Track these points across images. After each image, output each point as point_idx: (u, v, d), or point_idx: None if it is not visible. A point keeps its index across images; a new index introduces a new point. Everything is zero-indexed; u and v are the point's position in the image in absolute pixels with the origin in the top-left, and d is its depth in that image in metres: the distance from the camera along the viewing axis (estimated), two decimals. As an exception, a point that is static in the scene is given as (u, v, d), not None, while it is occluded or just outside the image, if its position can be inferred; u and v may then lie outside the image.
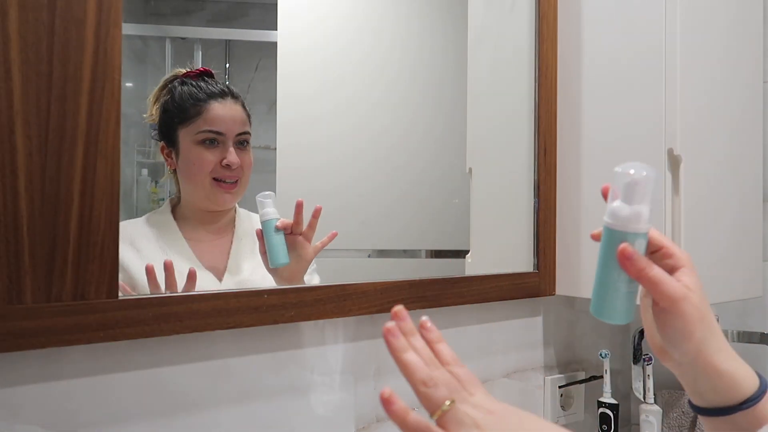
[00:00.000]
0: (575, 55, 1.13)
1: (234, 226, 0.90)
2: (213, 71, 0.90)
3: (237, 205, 0.93)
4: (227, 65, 1.02)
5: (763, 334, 1.16)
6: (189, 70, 0.89)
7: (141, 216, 0.90)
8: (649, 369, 1.15)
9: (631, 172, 0.48)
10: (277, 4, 1.02)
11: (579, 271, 1.12)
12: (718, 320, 0.60)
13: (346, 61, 1.11)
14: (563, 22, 1.16)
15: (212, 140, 0.84)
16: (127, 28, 0.71)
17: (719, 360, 0.50)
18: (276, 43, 1.02)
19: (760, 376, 0.51)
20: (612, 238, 0.51)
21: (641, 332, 1.21)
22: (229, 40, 1.03)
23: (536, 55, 1.15)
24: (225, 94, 0.86)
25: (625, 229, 0.50)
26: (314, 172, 1.05)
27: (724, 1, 1.08)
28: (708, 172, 1.03)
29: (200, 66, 0.93)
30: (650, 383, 1.15)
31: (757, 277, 1.14)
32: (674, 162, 0.99)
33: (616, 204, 0.50)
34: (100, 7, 0.65)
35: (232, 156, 0.84)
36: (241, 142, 0.86)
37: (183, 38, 1.00)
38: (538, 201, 1.14)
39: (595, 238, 0.53)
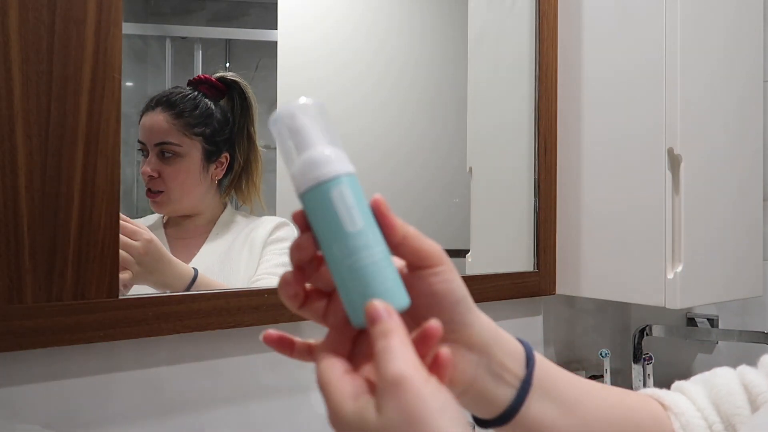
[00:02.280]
0: (575, 55, 1.13)
1: (212, 227, 0.90)
2: (208, 77, 0.89)
3: (229, 206, 0.92)
4: (227, 65, 1.02)
5: (763, 333, 1.16)
6: (198, 76, 0.89)
7: (141, 215, 0.91)
8: (650, 368, 1.15)
9: (282, 113, 0.35)
10: (277, 4, 1.02)
11: (579, 270, 1.12)
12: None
13: (346, 60, 1.11)
14: (563, 22, 1.16)
15: (143, 151, 0.85)
16: (128, 28, 0.71)
17: (489, 322, 0.40)
18: (276, 42, 1.02)
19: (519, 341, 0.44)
20: (319, 202, 0.34)
21: (641, 331, 1.21)
22: (229, 40, 1.03)
23: (536, 54, 1.15)
24: (158, 104, 0.85)
25: (320, 180, 0.34)
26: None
27: (724, 1, 1.07)
28: (708, 172, 1.03)
29: (200, 66, 0.93)
30: (650, 382, 1.15)
31: (757, 277, 1.14)
32: (674, 162, 0.99)
33: (296, 162, 0.35)
34: (101, 7, 0.65)
35: (146, 166, 0.83)
36: (163, 153, 0.84)
37: (183, 38, 1.00)
38: (538, 200, 1.14)
39: (298, 219, 0.36)
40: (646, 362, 1.16)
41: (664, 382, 1.42)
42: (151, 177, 0.83)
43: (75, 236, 0.64)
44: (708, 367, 0.53)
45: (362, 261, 0.34)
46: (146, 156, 0.84)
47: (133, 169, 0.98)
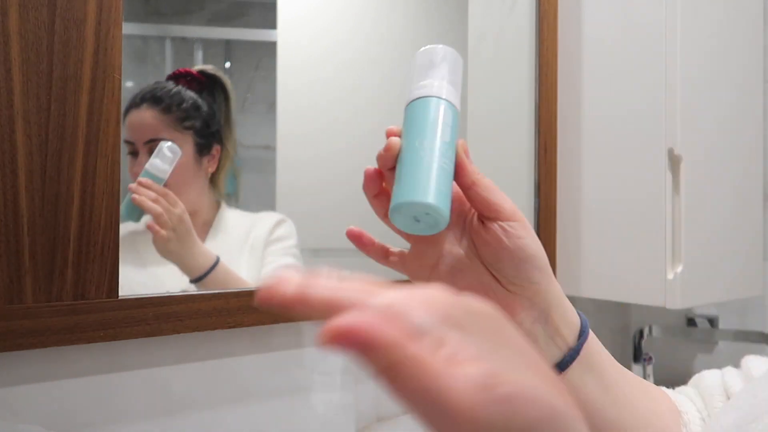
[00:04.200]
0: (575, 55, 1.13)
1: (210, 228, 0.87)
2: (189, 70, 0.87)
3: (223, 204, 0.90)
4: (227, 65, 1.02)
5: (763, 333, 1.16)
6: (178, 70, 0.87)
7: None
8: (650, 368, 1.15)
9: (440, 48, 0.41)
10: (277, 4, 1.02)
11: (579, 271, 1.12)
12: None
13: (346, 60, 1.11)
14: (563, 22, 1.16)
15: (131, 151, 0.81)
16: (127, 28, 0.71)
17: (557, 287, 0.43)
18: (276, 42, 1.02)
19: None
20: (428, 109, 0.39)
21: (641, 332, 1.21)
22: (229, 40, 1.03)
23: (536, 55, 1.15)
24: (143, 100, 0.82)
25: (441, 96, 0.40)
26: (314, 171, 1.05)
27: (724, 1, 1.08)
28: (708, 172, 1.03)
29: (200, 65, 0.93)
30: (650, 383, 1.15)
31: (757, 277, 1.14)
32: (674, 162, 0.99)
33: (428, 80, 0.41)
34: (101, 7, 0.65)
35: (137, 166, 0.80)
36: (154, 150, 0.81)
37: (183, 38, 1.00)
38: (538, 200, 1.14)
39: (394, 135, 0.40)
40: (646, 362, 1.16)
41: (664, 382, 1.42)
42: (136, 177, 0.79)
43: (75, 236, 0.64)
44: (708, 367, 0.55)
45: (436, 161, 0.37)
46: (135, 156, 0.81)
47: (133, 169, 0.98)
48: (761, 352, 0.52)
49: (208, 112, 0.87)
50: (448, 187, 0.37)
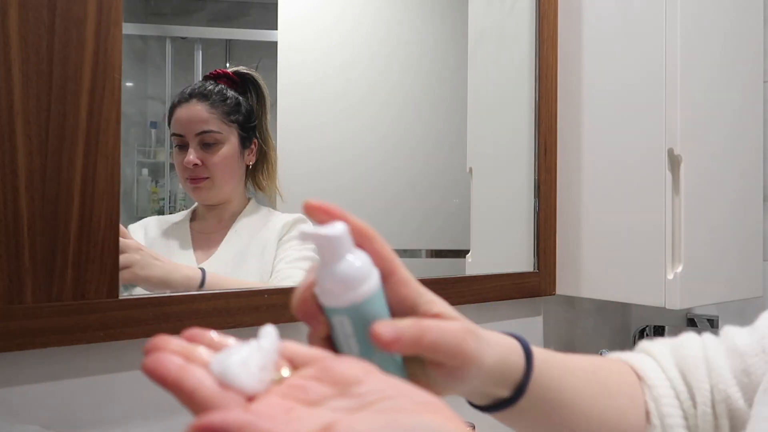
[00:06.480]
0: (575, 55, 1.13)
1: (235, 221, 0.92)
2: (225, 71, 0.92)
3: (253, 200, 0.94)
4: (227, 65, 1.02)
5: (763, 333, 1.15)
6: (216, 71, 0.92)
7: (141, 215, 0.91)
8: (649, 369, 1.15)
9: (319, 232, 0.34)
10: (277, 4, 1.02)
11: (579, 271, 1.12)
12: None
13: (346, 60, 1.11)
14: (563, 22, 1.16)
15: (180, 144, 0.87)
16: (128, 28, 0.71)
17: (489, 355, 0.40)
18: (276, 42, 1.02)
19: (518, 339, 0.45)
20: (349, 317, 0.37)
21: (641, 331, 1.21)
22: (230, 40, 1.03)
23: (536, 55, 1.15)
24: (191, 95, 0.88)
25: (337, 305, 0.36)
26: (315, 171, 1.05)
27: (724, 1, 1.08)
28: (708, 172, 1.03)
29: (200, 66, 0.93)
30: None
31: (757, 277, 1.14)
32: (674, 162, 0.99)
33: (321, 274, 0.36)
34: (101, 7, 0.65)
35: (190, 156, 0.86)
36: (205, 143, 0.87)
37: (183, 38, 1.00)
38: (538, 201, 1.14)
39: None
40: (646, 362, 1.15)
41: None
42: (195, 165, 0.86)
43: (75, 236, 0.64)
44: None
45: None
46: (183, 148, 0.87)
47: (134, 169, 0.98)
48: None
49: (248, 109, 0.93)
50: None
